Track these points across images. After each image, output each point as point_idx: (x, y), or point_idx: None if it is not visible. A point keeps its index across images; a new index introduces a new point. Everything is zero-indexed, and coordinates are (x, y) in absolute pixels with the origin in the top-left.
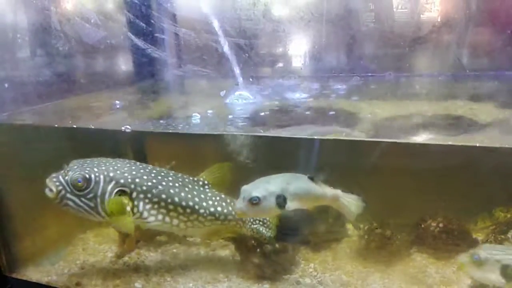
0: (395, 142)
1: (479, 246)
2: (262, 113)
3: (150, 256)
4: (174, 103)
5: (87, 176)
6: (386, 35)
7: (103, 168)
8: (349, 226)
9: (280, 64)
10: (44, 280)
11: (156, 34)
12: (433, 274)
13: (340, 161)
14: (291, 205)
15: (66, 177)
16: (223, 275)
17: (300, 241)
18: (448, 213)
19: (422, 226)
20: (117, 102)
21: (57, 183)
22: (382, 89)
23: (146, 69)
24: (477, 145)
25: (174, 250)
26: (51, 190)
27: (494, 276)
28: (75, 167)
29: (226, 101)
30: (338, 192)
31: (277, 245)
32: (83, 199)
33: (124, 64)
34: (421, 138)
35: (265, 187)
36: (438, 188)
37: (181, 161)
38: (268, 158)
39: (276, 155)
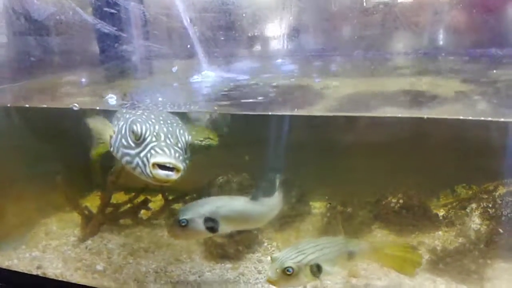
0: (355, 118)
1: (274, 259)
2: (224, 92)
3: (113, 239)
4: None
5: None
6: (359, 15)
7: None
8: (313, 205)
9: (256, 46)
10: (4, 264)
11: (113, 11)
12: None
13: (298, 139)
14: (225, 228)
15: None
16: (186, 255)
17: None
18: (410, 190)
19: (383, 202)
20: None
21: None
22: (352, 67)
23: (111, 50)
24: (436, 117)
25: (138, 233)
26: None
27: (306, 278)
28: None
29: (191, 80)
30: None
31: None
32: None
33: (81, 44)
34: (381, 112)
35: (195, 209)
36: (401, 165)
37: None
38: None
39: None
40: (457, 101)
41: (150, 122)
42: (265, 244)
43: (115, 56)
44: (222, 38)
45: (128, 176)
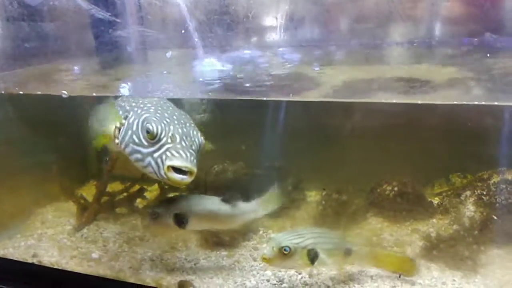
0: (350, 105)
1: (272, 239)
2: (225, 79)
3: (109, 227)
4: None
5: None
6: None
7: None
8: (308, 193)
9: (255, 35)
10: (0, 253)
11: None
12: (388, 237)
13: (293, 126)
14: (194, 225)
15: None
16: (182, 243)
17: None
18: (405, 178)
19: (378, 190)
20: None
21: None
22: (349, 56)
23: (105, 36)
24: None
25: (134, 222)
26: None
27: (300, 261)
28: None
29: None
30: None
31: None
32: None
33: (76, 30)
34: (377, 98)
35: (167, 205)
36: (396, 153)
37: None
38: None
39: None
40: (452, 87)
41: (165, 122)
42: (261, 232)
43: (110, 42)
44: (219, 27)
45: (123, 165)
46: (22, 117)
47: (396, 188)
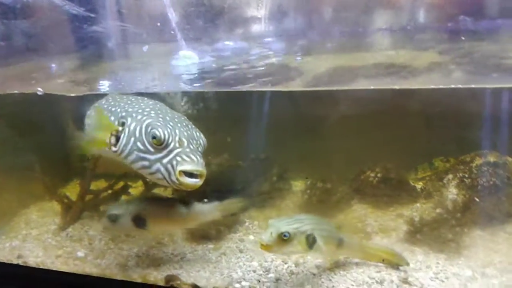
0: (332, 93)
1: (271, 225)
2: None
3: (94, 226)
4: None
5: None
6: None
7: None
8: (294, 183)
9: (238, 27)
10: None
11: None
12: (372, 222)
13: (276, 116)
14: (152, 226)
15: None
16: (168, 238)
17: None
18: (388, 164)
19: (361, 177)
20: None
21: None
22: (333, 45)
23: (80, 32)
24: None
25: None
26: None
27: (299, 246)
28: None
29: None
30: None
31: None
32: None
33: (51, 27)
34: (359, 86)
35: (125, 206)
36: (379, 139)
37: None
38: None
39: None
40: (432, 71)
41: (170, 126)
42: (246, 223)
43: (85, 38)
44: (201, 19)
45: (107, 162)
46: (2, 117)
47: (379, 175)
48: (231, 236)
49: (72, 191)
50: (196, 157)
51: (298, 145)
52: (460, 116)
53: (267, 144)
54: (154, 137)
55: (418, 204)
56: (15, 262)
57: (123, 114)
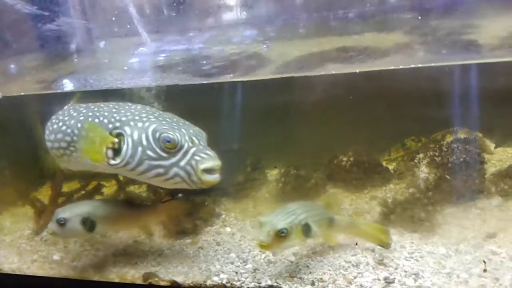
0: (299, 79)
1: (265, 223)
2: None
3: None
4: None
5: None
6: None
7: None
8: (268, 172)
9: (209, 16)
10: None
11: None
12: (347, 206)
13: (248, 105)
14: (101, 229)
15: None
16: (145, 236)
17: (220, 193)
18: (360, 147)
19: (335, 162)
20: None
21: None
22: (300, 30)
23: (34, 31)
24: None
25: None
26: None
27: (296, 239)
28: None
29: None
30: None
31: (195, 199)
32: None
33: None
34: (326, 70)
35: (73, 210)
36: (350, 123)
37: None
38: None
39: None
40: (397, 53)
41: (175, 127)
42: (223, 216)
43: (40, 37)
44: (169, 9)
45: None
46: None
47: (351, 158)
48: (207, 229)
49: (45, 194)
50: (211, 153)
51: (270, 134)
52: (429, 95)
53: (239, 134)
54: (168, 141)
55: (391, 185)
56: None
57: (117, 124)
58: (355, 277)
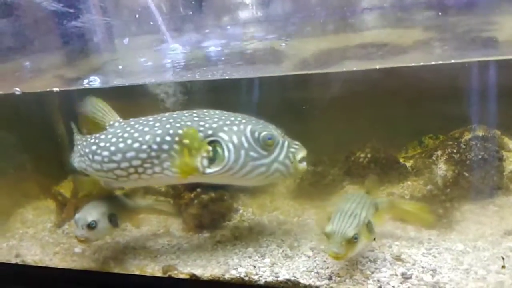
0: (319, 76)
1: (333, 234)
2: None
3: None
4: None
5: None
6: None
7: None
8: None
9: (227, 15)
10: None
11: None
12: None
13: (266, 100)
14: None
15: None
16: (164, 230)
17: (238, 188)
18: (378, 143)
19: (352, 158)
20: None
21: None
22: (319, 27)
23: (60, 28)
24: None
25: None
26: None
27: (365, 240)
28: None
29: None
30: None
31: (213, 194)
32: None
33: (31, 25)
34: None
35: (97, 210)
36: (369, 119)
37: None
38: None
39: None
40: (416, 49)
41: (261, 123)
42: (241, 211)
43: (65, 34)
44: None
45: None
46: None
47: (369, 155)
48: (226, 224)
49: (66, 188)
50: (298, 143)
51: (288, 130)
52: (448, 92)
53: None
54: (270, 139)
55: (409, 182)
56: (13, 261)
57: (209, 132)
58: (372, 272)
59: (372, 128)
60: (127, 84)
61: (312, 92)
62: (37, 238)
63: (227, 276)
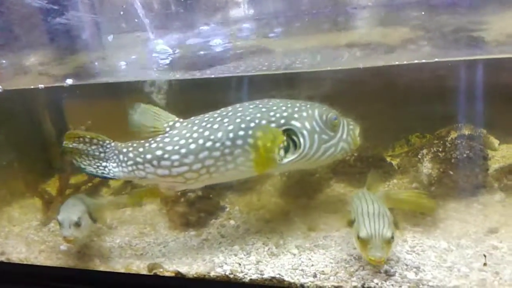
0: (309, 75)
1: (371, 239)
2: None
3: None
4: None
5: None
6: None
7: None
8: None
9: (219, 13)
10: None
11: None
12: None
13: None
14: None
15: None
16: (150, 228)
17: (224, 187)
18: (364, 142)
19: None
20: None
21: None
22: (311, 26)
23: (45, 25)
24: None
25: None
26: None
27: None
28: None
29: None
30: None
31: (200, 193)
32: None
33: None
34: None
35: (78, 208)
36: (357, 118)
37: None
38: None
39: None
40: (404, 48)
41: (320, 105)
42: (227, 209)
43: (50, 31)
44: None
45: None
46: None
47: (356, 153)
48: (212, 222)
49: (53, 186)
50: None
51: None
52: (435, 91)
53: None
54: (335, 119)
55: (394, 180)
56: None
57: (281, 121)
58: (356, 270)
59: (359, 127)
60: (110, 81)
61: (296, 91)
62: (22, 236)
63: (212, 273)
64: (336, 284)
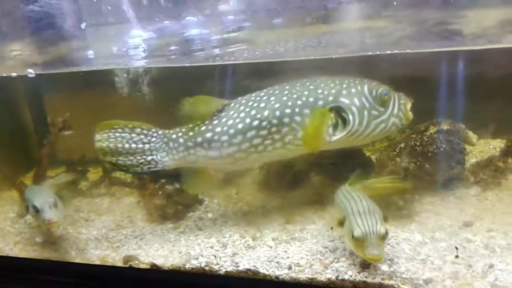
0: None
1: (366, 237)
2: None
3: None
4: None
5: None
6: None
7: None
8: None
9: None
10: None
11: None
12: (329, 194)
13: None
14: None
15: None
16: (127, 220)
17: None
18: None
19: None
20: None
21: None
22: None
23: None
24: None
25: (78, 204)
26: None
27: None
28: None
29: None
30: None
31: (178, 185)
32: None
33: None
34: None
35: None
36: None
37: None
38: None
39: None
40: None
41: (370, 81)
42: (206, 202)
43: (22, 19)
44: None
45: (66, 148)
46: None
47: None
48: (190, 214)
49: (30, 179)
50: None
51: None
52: (417, 86)
53: None
54: (386, 94)
55: (373, 174)
56: None
57: (329, 98)
58: (331, 262)
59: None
60: (85, 70)
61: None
62: None
63: (187, 265)
64: (310, 276)
